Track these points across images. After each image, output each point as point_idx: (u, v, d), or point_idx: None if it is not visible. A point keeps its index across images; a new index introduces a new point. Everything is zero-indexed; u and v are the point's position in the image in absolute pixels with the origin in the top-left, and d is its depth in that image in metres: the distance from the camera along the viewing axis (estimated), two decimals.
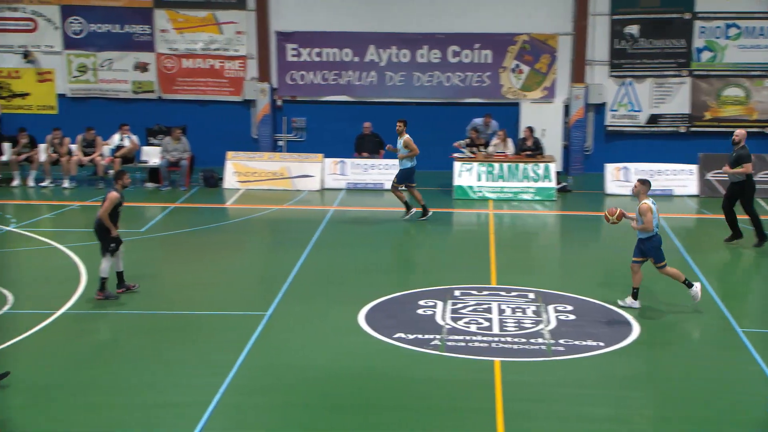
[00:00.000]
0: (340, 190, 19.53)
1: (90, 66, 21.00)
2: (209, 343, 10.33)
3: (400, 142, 16.32)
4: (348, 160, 19.86)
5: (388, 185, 19.63)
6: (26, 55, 20.74)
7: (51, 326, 10.69)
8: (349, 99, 21.46)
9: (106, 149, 19.29)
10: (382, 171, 19.72)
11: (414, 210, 16.54)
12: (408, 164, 16.29)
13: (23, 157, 19.02)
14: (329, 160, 19.87)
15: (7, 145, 19.25)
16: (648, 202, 11.13)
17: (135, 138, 19.46)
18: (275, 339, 10.45)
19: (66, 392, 8.95)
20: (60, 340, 10.44)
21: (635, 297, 11.45)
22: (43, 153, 19.17)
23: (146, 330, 10.73)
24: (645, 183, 11.34)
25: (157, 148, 19.71)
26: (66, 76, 20.99)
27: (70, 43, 20.89)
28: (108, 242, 11.58)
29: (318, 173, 19.70)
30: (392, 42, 21.21)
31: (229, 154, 19.84)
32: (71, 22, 20.87)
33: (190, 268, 13.61)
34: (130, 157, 19.39)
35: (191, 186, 19.30)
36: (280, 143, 21.46)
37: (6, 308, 11.18)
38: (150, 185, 19.29)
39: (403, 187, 16.46)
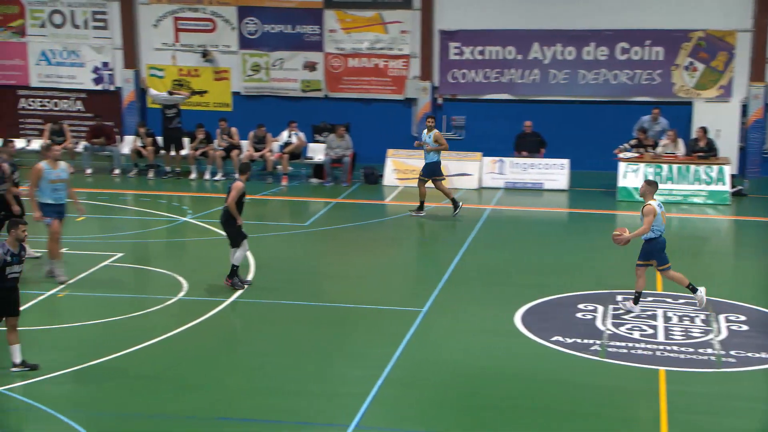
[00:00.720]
0: (498, 189, 19.37)
1: (263, 65, 21.94)
2: (367, 336, 10.55)
3: (430, 136, 16.35)
4: (507, 159, 19.67)
5: (548, 185, 19.30)
6: (205, 55, 21.93)
7: (220, 313, 11.26)
8: (510, 97, 21.25)
9: (275, 145, 20.10)
10: (542, 171, 19.39)
11: (460, 205, 16.42)
12: (435, 157, 16.43)
13: (200, 152, 20.15)
14: (488, 159, 19.76)
15: (186, 140, 20.47)
16: (653, 203, 10.77)
17: (302, 135, 20.15)
18: (431, 335, 10.51)
19: (231, 377, 9.42)
20: (228, 327, 11.00)
21: (636, 302, 11.02)
22: (215, 144, 20.21)
23: (307, 320, 11.09)
24: (651, 184, 11.03)
25: (322, 145, 20.31)
26: (240, 74, 22.04)
27: (245, 43, 21.91)
28: (234, 230, 11.95)
29: (476, 172, 19.63)
30: (557, 39, 20.79)
31: (390, 151, 20.15)
32: (247, 23, 21.88)
33: (350, 262, 13.94)
34: (297, 154, 20.09)
35: (353, 182, 19.75)
36: None
37: (181, 295, 11.90)
38: (314, 181, 19.91)
39: (433, 180, 16.47)
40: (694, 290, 11.10)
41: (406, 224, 16.55)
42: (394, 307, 11.53)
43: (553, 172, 19.42)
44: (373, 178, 19.87)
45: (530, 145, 19.85)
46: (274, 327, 10.99)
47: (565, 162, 19.41)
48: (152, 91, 20.67)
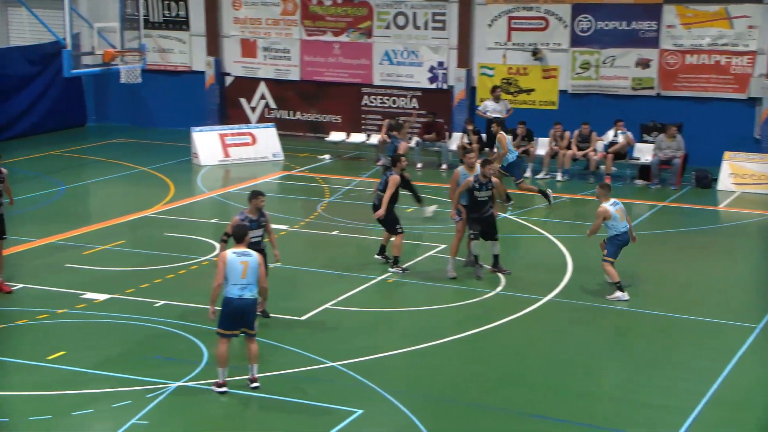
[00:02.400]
0: None
1: (592, 63, 21.52)
2: (693, 349, 9.98)
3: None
4: None
5: None
6: (535, 53, 22.03)
7: (536, 311, 11.28)
8: None
9: (599, 145, 19.64)
10: None
11: (551, 195, 16.87)
12: (509, 159, 16.93)
13: (521, 150, 20.31)
14: None
15: (509, 138, 20.77)
16: (606, 205, 11.37)
17: (629, 134, 19.46)
18: (766, 354, 9.63)
19: (546, 376, 9.43)
20: (543, 325, 10.97)
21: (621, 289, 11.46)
22: (543, 146, 20.23)
23: (628, 326, 10.77)
24: (603, 187, 11.74)
25: (650, 146, 19.44)
26: (569, 72, 21.83)
27: (576, 40, 21.65)
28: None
29: None
30: None
31: (727, 154, 18.72)
32: (580, 21, 21.60)
33: (676, 269, 13.21)
34: (622, 154, 19.44)
35: (682, 185, 18.69)
36: None
37: (498, 289, 12.13)
38: (639, 182, 19.14)
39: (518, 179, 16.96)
40: (619, 288, 11.43)
41: (741, 233, 15.32)
42: (725, 320, 10.77)
43: None
44: (706, 181, 18.61)
45: None
46: (591, 329, 10.79)
47: None
48: (487, 104, 21.09)
